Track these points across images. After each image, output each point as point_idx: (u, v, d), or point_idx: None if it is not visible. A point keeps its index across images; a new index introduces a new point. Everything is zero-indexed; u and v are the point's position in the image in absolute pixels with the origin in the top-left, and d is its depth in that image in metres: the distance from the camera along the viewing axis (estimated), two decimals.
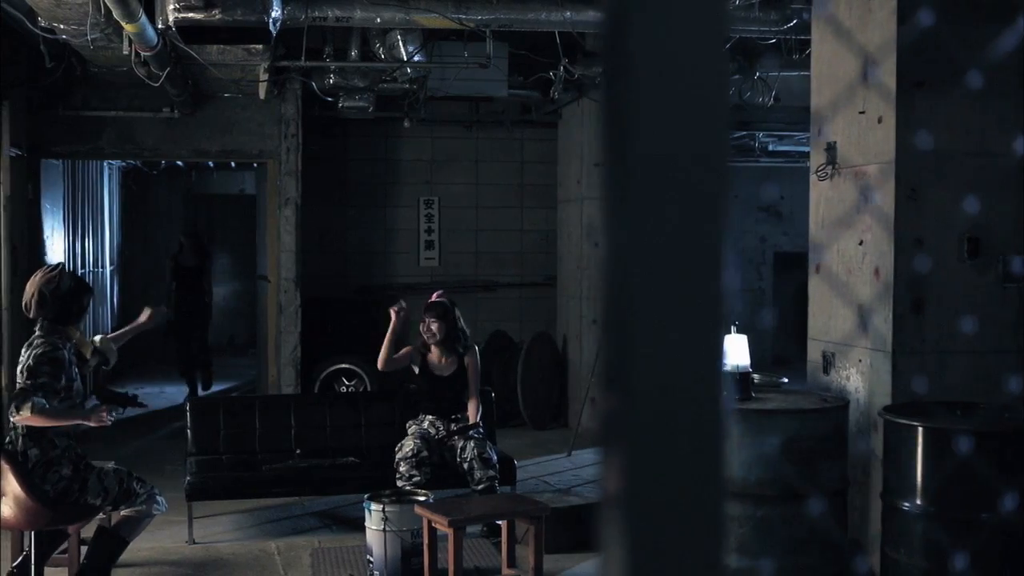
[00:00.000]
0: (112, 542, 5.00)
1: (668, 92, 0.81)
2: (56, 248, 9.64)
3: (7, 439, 4.82)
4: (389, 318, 6.31)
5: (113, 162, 12.86)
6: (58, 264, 5.07)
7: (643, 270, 0.82)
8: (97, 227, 12.08)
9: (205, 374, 11.87)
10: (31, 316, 4.87)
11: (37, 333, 4.83)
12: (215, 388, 11.95)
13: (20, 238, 8.22)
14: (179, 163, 12.71)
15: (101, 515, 5.14)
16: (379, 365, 6.40)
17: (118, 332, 5.50)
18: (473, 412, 6.42)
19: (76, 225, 10.86)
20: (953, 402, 4.77)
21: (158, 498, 5.04)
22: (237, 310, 16.12)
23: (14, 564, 5.04)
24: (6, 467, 4.67)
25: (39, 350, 4.69)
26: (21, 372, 4.74)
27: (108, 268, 12.83)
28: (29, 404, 4.53)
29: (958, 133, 5.08)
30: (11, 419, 4.64)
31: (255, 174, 14.11)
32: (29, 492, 4.65)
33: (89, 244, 11.56)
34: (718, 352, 0.81)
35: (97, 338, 5.21)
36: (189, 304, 11.58)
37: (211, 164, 13.37)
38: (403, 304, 6.27)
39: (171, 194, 15.64)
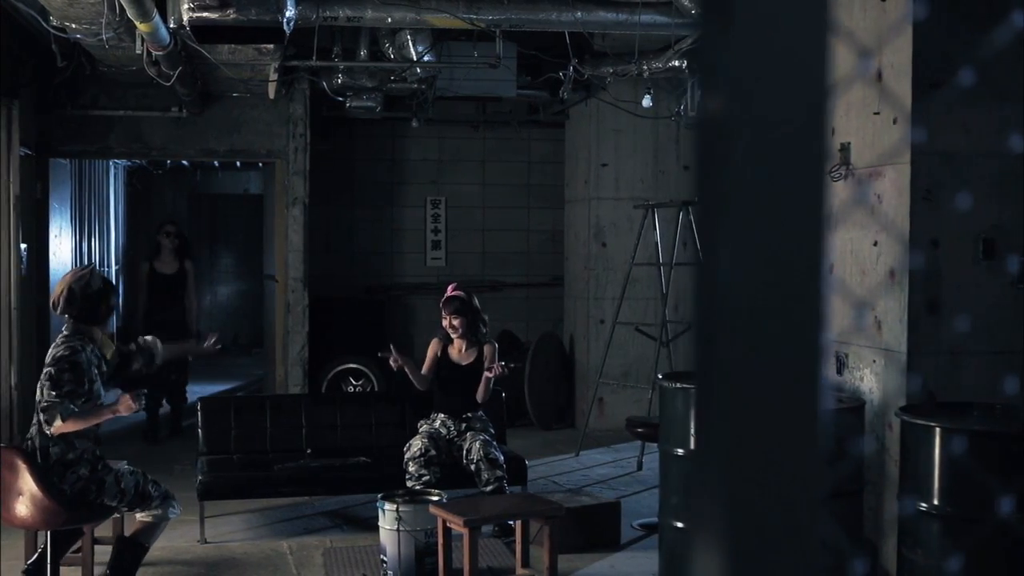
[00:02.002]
0: (133, 549, 5.02)
1: (766, 96, 0.81)
2: (63, 248, 9.64)
3: (27, 436, 4.81)
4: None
5: (119, 161, 12.86)
6: (90, 264, 5.09)
7: (741, 280, 0.82)
8: (103, 227, 12.08)
9: (175, 420, 9.26)
10: (59, 313, 4.88)
11: (63, 333, 4.83)
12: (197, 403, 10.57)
13: (28, 238, 8.22)
14: (184, 163, 12.72)
15: (116, 515, 5.14)
16: (421, 388, 6.51)
17: (175, 345, 5.50)
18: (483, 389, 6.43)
19: (83, 225, 10.86)
20: (969, 403, 4.77)
21: (172, 502, 5.05)
22: (241, 310, 16.13)
23: (29, 562, 5.04)
24: (23, 466, 4.67)
25: (59, 353, 4.69)
26: (45, 379, 4.70)
27: (113, 268, 12.83)
28: (58, 414, 4.58)
29: (973, 134, 5.08)
30: (47, 433, 4.65)
31: (261, 174, 14.13)
32: (46, 492, 4.66)
33: (95, 244, 11.56)
34: (818, 356, 0.81)
35: (148, 337, 5.24)
36: (167, 327, 8.60)
37: (216, 164, 13.36)
38: (392, 353, 6.29)
39: (176, 194, 15.65)
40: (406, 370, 6.35)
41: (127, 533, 5.17)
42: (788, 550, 0.81)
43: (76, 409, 4.62)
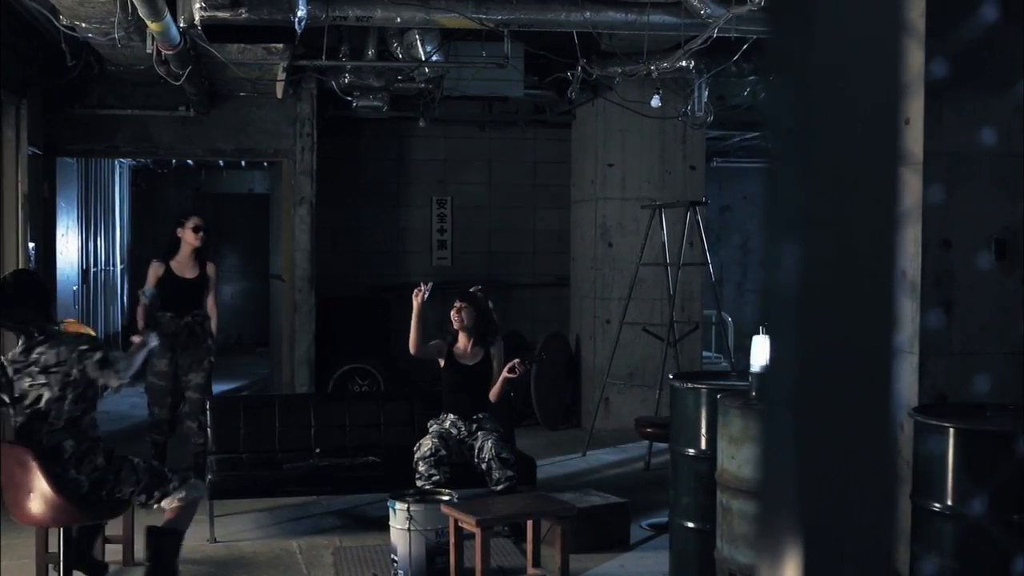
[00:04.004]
0: (170, 537, 5.04)
1: (839, 90, 0.81)
2: (70, 247, 9.64)
3: (40, 435, 4.82)
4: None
5: (124, 161, 12.87)
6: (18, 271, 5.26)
7: (811, 278, 0.82)
8: (109, 226, 12.09)
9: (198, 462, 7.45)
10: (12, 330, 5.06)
11: (40, 337, 4.87)
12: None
13: (36, 237, 8.22)
14: (189, 162, 12.73)
15: (142, 502, 5.13)
16: (412, 350, 6.38)
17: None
18: (498, 388, 6.42)
19: (89, 224, 10.86)
20: (982, 403, 4.77)
21: (193, 480, 5.12)
22: (245, 309, 16.13)
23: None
24: (34, 464, 4.67)
25: (94, 346, 4.86)
26: (50, 374, 4.76)
27: (119, 267, 12.84)
28: (125, 364, 4.84)
29: (987, 134, 5.08)
30: (117, 383, 4.86)
31: (266, 173, 14.13)
32: (58, 488, 4.67)
33: (101, 243, 11.57)
34: (890, 356, 0.81)
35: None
36: (183, 338, 7.58)
37: (221, 163, 13.38)
38: (425, 285, 6.24)
39: (180, 193, 15.65)
40: (414, 318, 6.27)
41: (160, 524, 5.15)
42: (862, 552, 0.81)
43: (120, 361, 4.86)
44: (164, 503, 5.00)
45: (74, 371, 4.76)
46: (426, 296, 6.24)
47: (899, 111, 0.81)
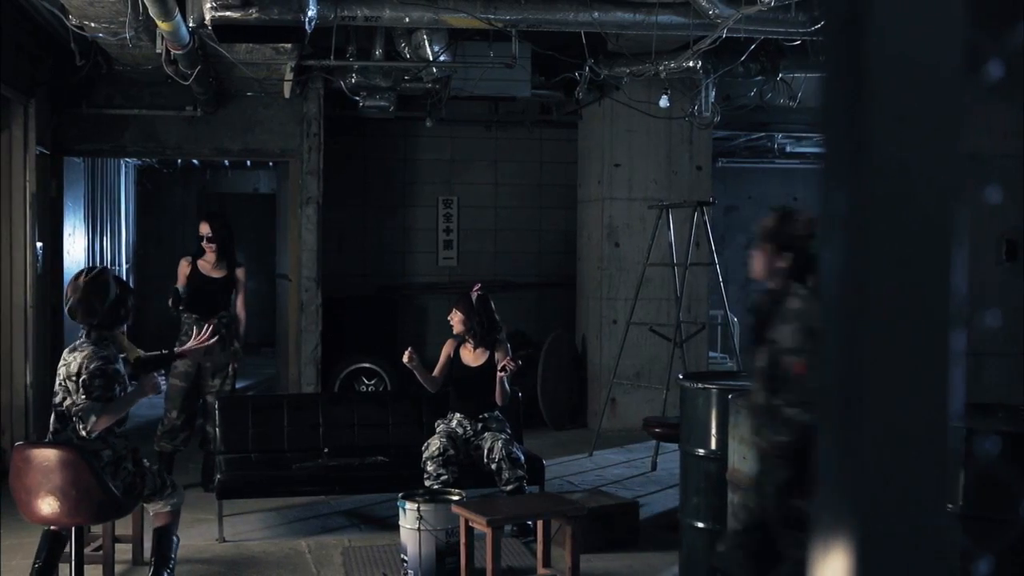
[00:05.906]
0: (170, 539, 5.12)
1: (899, 99, 0.81)
2: (77, 246, 9.65)
3: (70, 438, 4.81)
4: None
5: (130, 160, 12.87)
6: (101, 267, 5.08)
7: (867, 286, 0.82)
8: (114, 225, 12.09)
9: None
10: (78, 321, 4.86)
11: (83, 340, 4.82)
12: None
13: (43, 236, 8.23)
14: (195, 162, 12.74)
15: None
16: (431, 390, 6.48)
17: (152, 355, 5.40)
18: (500, 391, 6.40)
19: (95, 223, 10.87)
20: (990, 404, 4.77)
21: (178, 486, 5.24)
22: (250, 308, 16.09)
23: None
24: (72, 461, 4.65)
25: (93, 364, 4.70)
26: (71, 381, 4.73)
27: (124, 266, 12.84)
28: (92, 414, 4.67)
29: (996, 136, 5.09)
30: (84, 434, 4.69)
31: (271, 173, 14.14)
32: (102, 487, 4.70)
33: (107, 242, 11.57)
34: (946, 356, 0.81)
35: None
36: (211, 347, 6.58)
37: (226, 163, 13.38)
38: (411, 353, 6.23)
39: (185, 193, 15.66)
40: (415, 373, 6.33)
41: (157, 524, 5.20)
42: (919, 555, 0.81)
43: (103, 406, 4.67)
44: (156, 507, 5.07)
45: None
46: (415, 361, 6.23)
47: (959, 108, 0.81)
